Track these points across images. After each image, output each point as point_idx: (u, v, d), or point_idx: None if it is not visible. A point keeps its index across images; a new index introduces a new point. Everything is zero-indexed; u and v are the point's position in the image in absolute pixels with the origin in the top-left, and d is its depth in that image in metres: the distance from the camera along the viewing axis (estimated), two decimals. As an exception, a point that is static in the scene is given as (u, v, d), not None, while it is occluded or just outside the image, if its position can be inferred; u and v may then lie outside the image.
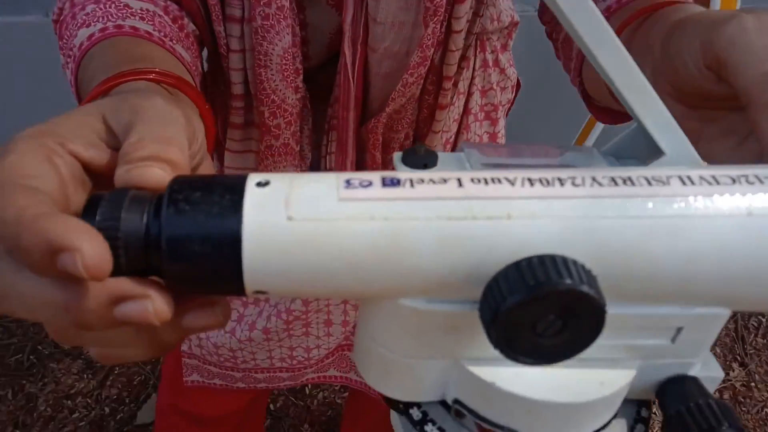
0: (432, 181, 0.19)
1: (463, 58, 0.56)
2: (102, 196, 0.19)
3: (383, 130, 0.56)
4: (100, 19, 0.38)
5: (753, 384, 1.55)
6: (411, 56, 0.50)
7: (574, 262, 0.17)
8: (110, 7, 0.40)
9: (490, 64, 0.62)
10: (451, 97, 0.58)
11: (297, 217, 0.18)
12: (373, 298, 0.20)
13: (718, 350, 1.64)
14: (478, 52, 0.60)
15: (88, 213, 0.19)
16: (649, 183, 0.20)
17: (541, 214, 0.19)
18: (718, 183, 0.20)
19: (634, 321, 0.20)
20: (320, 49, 0.54)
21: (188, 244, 0.18)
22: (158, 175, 0.20)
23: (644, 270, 0.19)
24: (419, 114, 0.58)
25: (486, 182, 0.19)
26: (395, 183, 0.19)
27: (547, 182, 0.19)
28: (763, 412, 1.49)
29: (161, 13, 0.43)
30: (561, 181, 0.20)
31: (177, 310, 0.21)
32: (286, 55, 0.49)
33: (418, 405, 0.23)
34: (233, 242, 0.18)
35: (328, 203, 0.19)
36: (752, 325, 1.73)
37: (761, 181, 0.20)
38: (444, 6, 0.47)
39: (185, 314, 0.21)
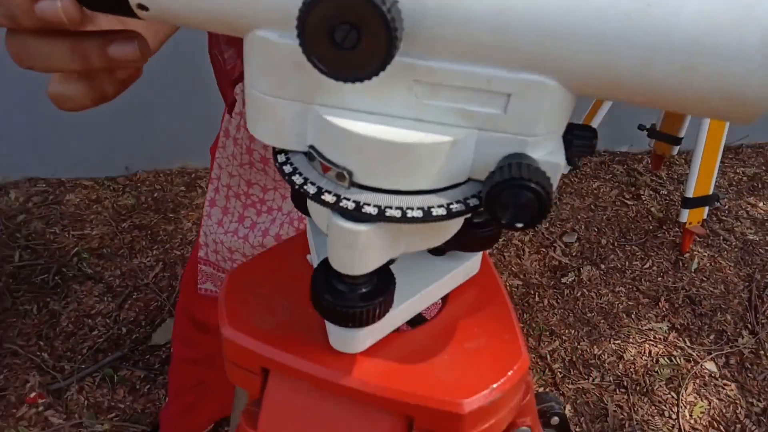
0: None
1: None
2: None
3: None
4: None
5: (762, 352, 1.53)
6: None
7: None
8: None
9: None
10: None
11: None
12: (230, 25, 0.23)
13: (729, 317, 1.62)
14: None
15: None
16: None
17: None
18: None
19: (458, 79, 0.22)
20: None
21: None
22: None
23: (457, 16, 0.21)
24: None
25: None
26: None
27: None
28: (769, 380, 1.47)
29: None
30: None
31: (103, 41, 0.25)
32: None
33: (291, 164, 0.25)
34: None
35: None
36: (766, 295, 1.69)
37: None
38: None
39: (110, 44, 0.25)
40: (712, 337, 1.56)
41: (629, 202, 2.02)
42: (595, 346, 1.52)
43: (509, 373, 0.27)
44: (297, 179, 0.25)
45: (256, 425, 0.30)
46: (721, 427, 1.35)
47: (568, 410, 1.36)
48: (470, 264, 0.32)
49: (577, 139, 0.26)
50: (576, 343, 1.52)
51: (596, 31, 0.20)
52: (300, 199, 0.32)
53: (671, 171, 2.18)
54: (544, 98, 0.22)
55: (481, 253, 0.33)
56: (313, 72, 0.21)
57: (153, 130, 1.88)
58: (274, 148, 0.26)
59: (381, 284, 0.27)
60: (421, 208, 0.23)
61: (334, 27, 0.19)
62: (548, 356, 1.48)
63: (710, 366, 1.49)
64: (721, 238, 1.89)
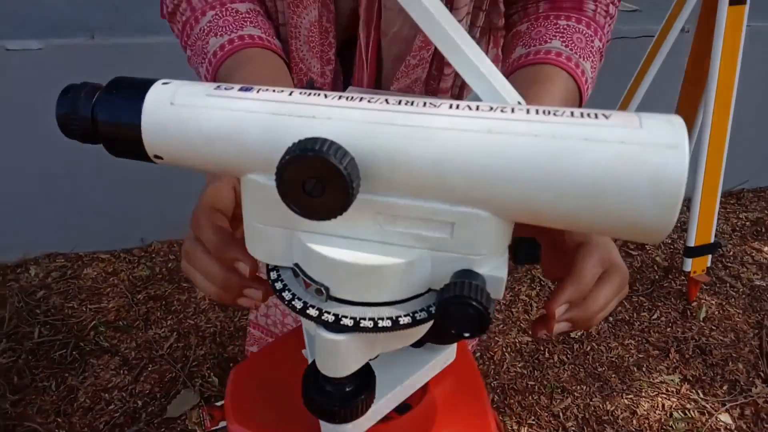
0: (274, 90, 0.27)
1: None
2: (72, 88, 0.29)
3: None
4: (224, 30, 0.50)
5: (777, 401, 1.51)
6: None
7: (333, 143, 0.24)
8: (226, 15, 0.52)
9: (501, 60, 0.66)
10: (457, 85, 0.63)
11: (176, 103, 0.26)
12: (228, 171, 0.28)
13: (741, 366, 1.61)
14: (491, 47, 0.65)
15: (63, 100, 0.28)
16: (425, 105, 0.27)
17: (335, 117, 0.26)
18: (477, 110, 0.26)
19: (411, 211, 0.26)
20: (338, 30, 0.60)
21: (111, 115, 0.27)
22: None
23: (404, 165, 0.25)
24: None
25: (309, 95, 0.27)
26: (248, 89, 0.27)
27: (351, 98, 0.27)
28: (787, 430, 1.45)
29: (258, 9, 0.56)
30: (361, 99, 0.27)
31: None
32: (313, 28, 0.56)
33: (282, 281, 0.30)
34: (136, 115, 0.27)
35: (199, 96, 0.27)
36: (779, 342, 1.69)
37: (513, 111, 0.26)
38: None
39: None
40: (725, 387, 1.56)
41: (633, 253, 2.04)
42: (607, 402, 1.51)
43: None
44: (286, 295, 0.29)
45: None
46: (741, 482, 1.33)
47: (583, 469, 1.35)
48: (447, 353, 0.36)
49: (522, 250, 0.30)
50: (588, 400, 1.52)
51: (515, 179, 0.25)
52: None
53: (687, 228, 2.20)
54: (480, 226, 0.26)
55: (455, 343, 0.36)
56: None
57: (166, 201, 1.94)
58: (267, 267, 0.31)
59: (363, 382, 0.30)
60: (390, 318, 0.28)
61: (304, 180, 0.24)
62: (561, 414, 1.48)
63: (725, 418, 1.48)
64: (728, 285, 1.90)
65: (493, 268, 0.28)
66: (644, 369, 1.60)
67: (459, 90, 0.66)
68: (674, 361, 1.63)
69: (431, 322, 0.32)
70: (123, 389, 1.51)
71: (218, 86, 0.28)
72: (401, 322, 0.27)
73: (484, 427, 0.32)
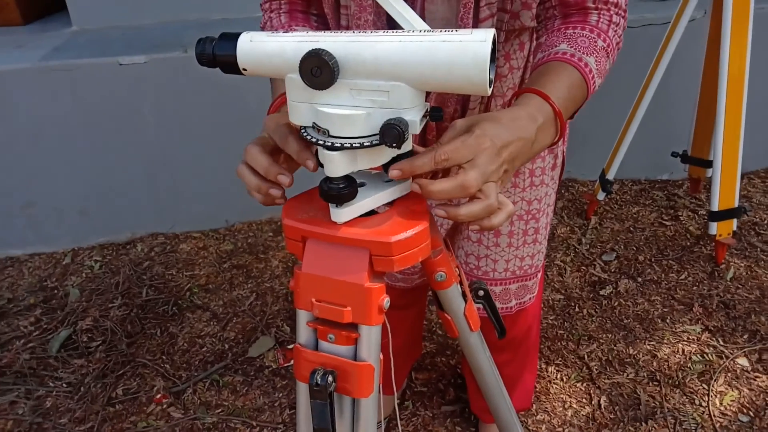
0: (298, 33, 0.53)
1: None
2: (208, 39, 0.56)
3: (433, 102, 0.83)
4: None
5: (796, 348, 1.62)
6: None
7: (323, 49, 0.49)
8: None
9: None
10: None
11: (254, 40, 0.54)
12: (278, 74, 0.54)
13: (764, 318, 1.73)
14: (532, 41, 0.82)
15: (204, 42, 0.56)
16: (372, 33, 0.52)
17: (327, 40, 0.52)
18: (396, 33, 0.52)
19: (367, 86, 0.51)
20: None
21: (221, 50, 0.55)
22: None
23: (360, 61, 0.50)
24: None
25: (316, 33, 0.53)
26: (286, 32, 0.54)
27: (336, 33, 0.53)
28: (803, 372, 1.56)
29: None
30: (342, 33, 0.53)
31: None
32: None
33: (307, 133, 0.56)
34: (233, 48, 0.54)
35: (263, 36, 0.54)
36: (803, 297, 1.79)
37: (412, 32, 0.51)
38: None
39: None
40: (745, 336, 1.68)
41: (667, 223, 2.17)
42: (630, 347, 1.68)
43: (416, 228, 0.56)
44: (309, 138, 0.55)
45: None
46: (751, 413, 1.47)
47: (603, 401, 1.53)
48: (405, 186, 0.61)
49: (434, 112, 0.55)
50: (612, 345, 1.69)
51: (413, 63, 0.50)
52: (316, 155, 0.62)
53: (710, 193, 2.31)
54: (402, 92, 0.52)
55: (410, 180, 0.61)
56: (310, 90, 0.52)
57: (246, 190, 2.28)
58: (300, 129, 0.57)
59: (351, 185, 0.56)
60: (360, 142, 0.53)
61: (311, 68, 0.50)
62: (586, 356, 1.66)
63: (742, 361, 1.61)
64: (759, 249, 2.01)
65: (411, 116, 0.52)
66: (668, 321, 1.76)
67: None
68: (697, 314, 1.77)
69: (389, 152, 0.57)
70: (213, 336, 1.84)
71: (273, 32, 0.54)
72: (365, 144, 0.52)
73: (422, 217, 0.57)
